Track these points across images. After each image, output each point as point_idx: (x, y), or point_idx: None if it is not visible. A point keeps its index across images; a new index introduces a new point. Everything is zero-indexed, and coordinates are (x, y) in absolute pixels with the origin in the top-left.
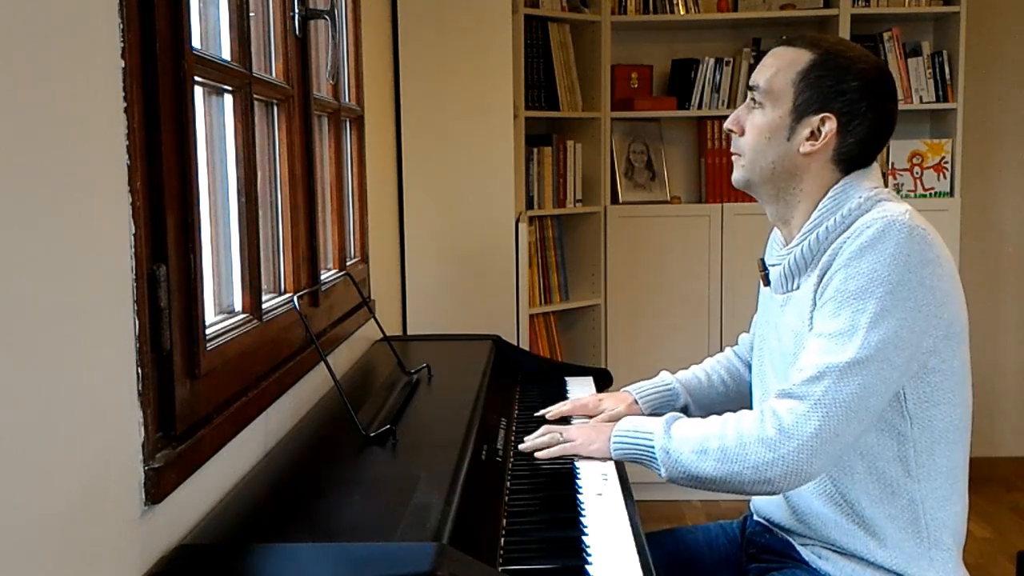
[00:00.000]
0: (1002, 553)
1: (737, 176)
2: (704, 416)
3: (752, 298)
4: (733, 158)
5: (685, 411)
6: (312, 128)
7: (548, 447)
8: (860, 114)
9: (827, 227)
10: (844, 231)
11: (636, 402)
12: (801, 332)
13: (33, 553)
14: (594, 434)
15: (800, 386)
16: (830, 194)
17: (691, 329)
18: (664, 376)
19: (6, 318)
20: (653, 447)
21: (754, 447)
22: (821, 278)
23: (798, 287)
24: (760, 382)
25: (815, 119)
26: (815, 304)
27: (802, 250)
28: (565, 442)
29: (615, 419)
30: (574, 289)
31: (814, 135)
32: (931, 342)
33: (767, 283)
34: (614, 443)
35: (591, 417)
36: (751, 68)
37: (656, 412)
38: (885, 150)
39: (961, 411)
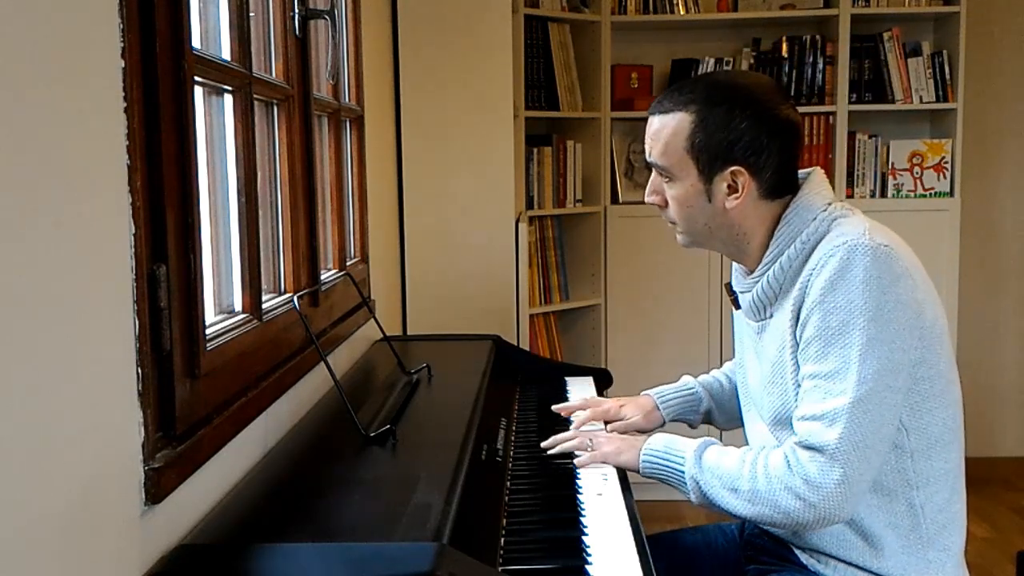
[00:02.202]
0: (1002, 553)
1: (681, 241)
2: (727, 422)
3: None
4: (669, 226)
5: (708, 416)
6: (312, 128)
7: (576, 450)
8: (764, 147)
9: (788, 255)
10: (807, 257)
11: (658, 407)
12: (779, 361)
13: (33, 553)
14: (624, 446)
15: (815, 436)
16: (783, 221)
17: (691, 329)
18: (687, 380)
19: (6, 318)
20: (683, 472)
21: (783, 495)
22: (796, 312)
23: (771, 316)
24: (747, 401)
25: (725, 174)
26: (796, 341)
27: (768, 280)
28: (594, 449)
29: (631, 428)
30: (574, 289)
31: (731, 188)
32: (918, 354)
33: (737, 307)
34: (644, 460)
35: (607, 422)
36: (751, 68)
37: (678, 418)
38: (885, 150)
39: (953, 410)
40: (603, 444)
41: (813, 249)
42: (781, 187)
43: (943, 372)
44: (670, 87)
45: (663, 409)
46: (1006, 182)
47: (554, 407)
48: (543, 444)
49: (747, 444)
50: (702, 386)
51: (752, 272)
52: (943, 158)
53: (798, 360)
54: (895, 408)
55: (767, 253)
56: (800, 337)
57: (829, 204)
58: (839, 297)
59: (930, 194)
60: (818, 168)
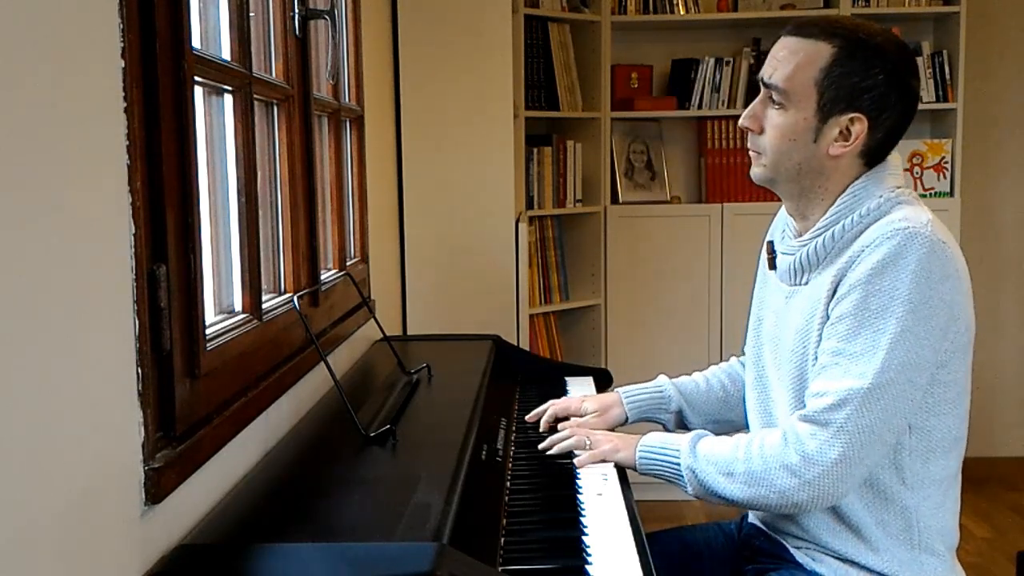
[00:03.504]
0: (1002, 553)
1: (758, 174)
2: (703, 423)
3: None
4: (751, 155)
5: (679, 416)
6: (312, 128)
7: (574, 448)
8: (889, 107)
9: (843, 225)
10: (861, 233)
11: (622, 403)
12: (806, 332)
13: (33, 553)
14: (621, 443)
15: (822, 412)
16: (849, 190)
17: (691, 329)
18: (659, 380)
19: (6, 318)
20: (679, 464)
21: (778, 472)
22: (835, 285)
23: (807, 283)
24: (755, 362)
25: (843, 119)
26: (827, 314)
27: (816, 246)
28: (592, 447)
29: (585, 425)
30: (574, 289)
31: (843, 135)
32: (944, 356)
33: (773, 267)
34: (640, 456)
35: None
36: (751, 68)
37: (645, 417)
38: None
39: (959, 422)
40: (601, 442)
41: (869, 226)
42: (879, 154)
43: (960, 381)
44: (810, 16)
45: (627, 406)
46: (1006, 182)
47: (527, 417)
48: (541, 446)
49: (745, 422)
50: (675, 386)
51: (801, 235)
52: (943, 158)
53: (823, 334)
54: (910, 404)
55: (823, 218)
56: (832, 311)
57: (899, 187)
58: (885, 281)
59: (930, 194)
60: (896, 152)
